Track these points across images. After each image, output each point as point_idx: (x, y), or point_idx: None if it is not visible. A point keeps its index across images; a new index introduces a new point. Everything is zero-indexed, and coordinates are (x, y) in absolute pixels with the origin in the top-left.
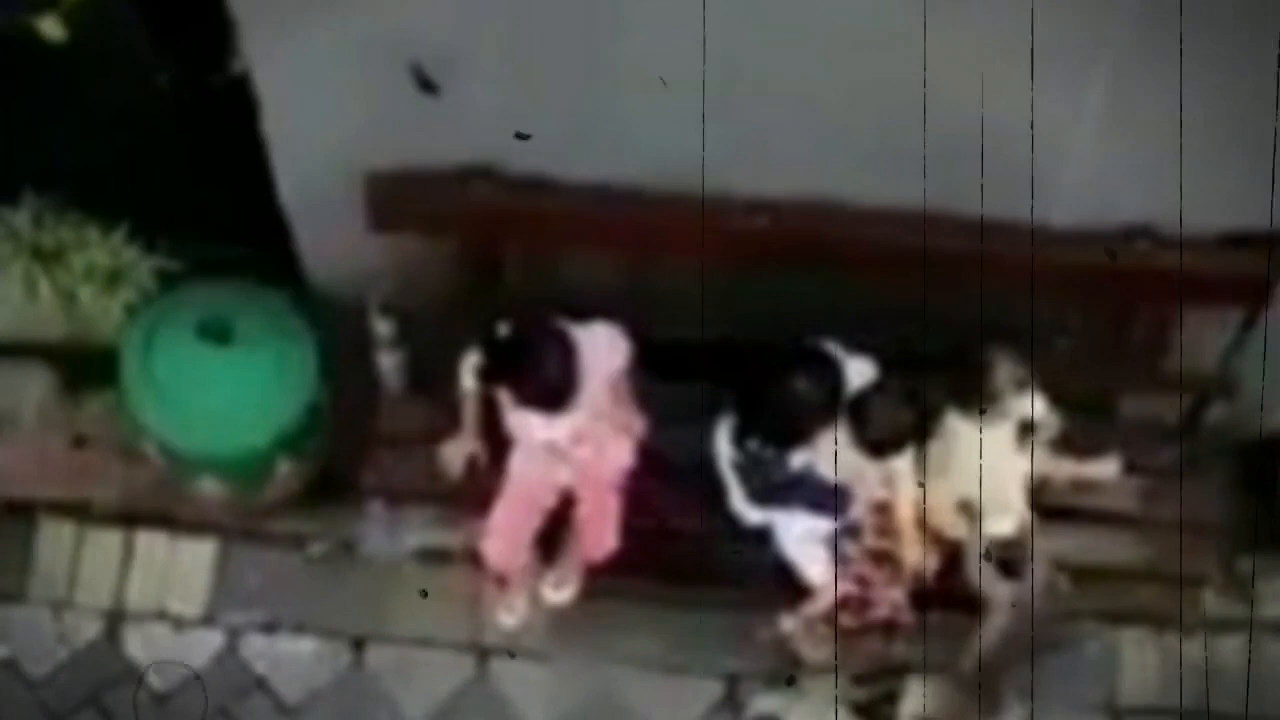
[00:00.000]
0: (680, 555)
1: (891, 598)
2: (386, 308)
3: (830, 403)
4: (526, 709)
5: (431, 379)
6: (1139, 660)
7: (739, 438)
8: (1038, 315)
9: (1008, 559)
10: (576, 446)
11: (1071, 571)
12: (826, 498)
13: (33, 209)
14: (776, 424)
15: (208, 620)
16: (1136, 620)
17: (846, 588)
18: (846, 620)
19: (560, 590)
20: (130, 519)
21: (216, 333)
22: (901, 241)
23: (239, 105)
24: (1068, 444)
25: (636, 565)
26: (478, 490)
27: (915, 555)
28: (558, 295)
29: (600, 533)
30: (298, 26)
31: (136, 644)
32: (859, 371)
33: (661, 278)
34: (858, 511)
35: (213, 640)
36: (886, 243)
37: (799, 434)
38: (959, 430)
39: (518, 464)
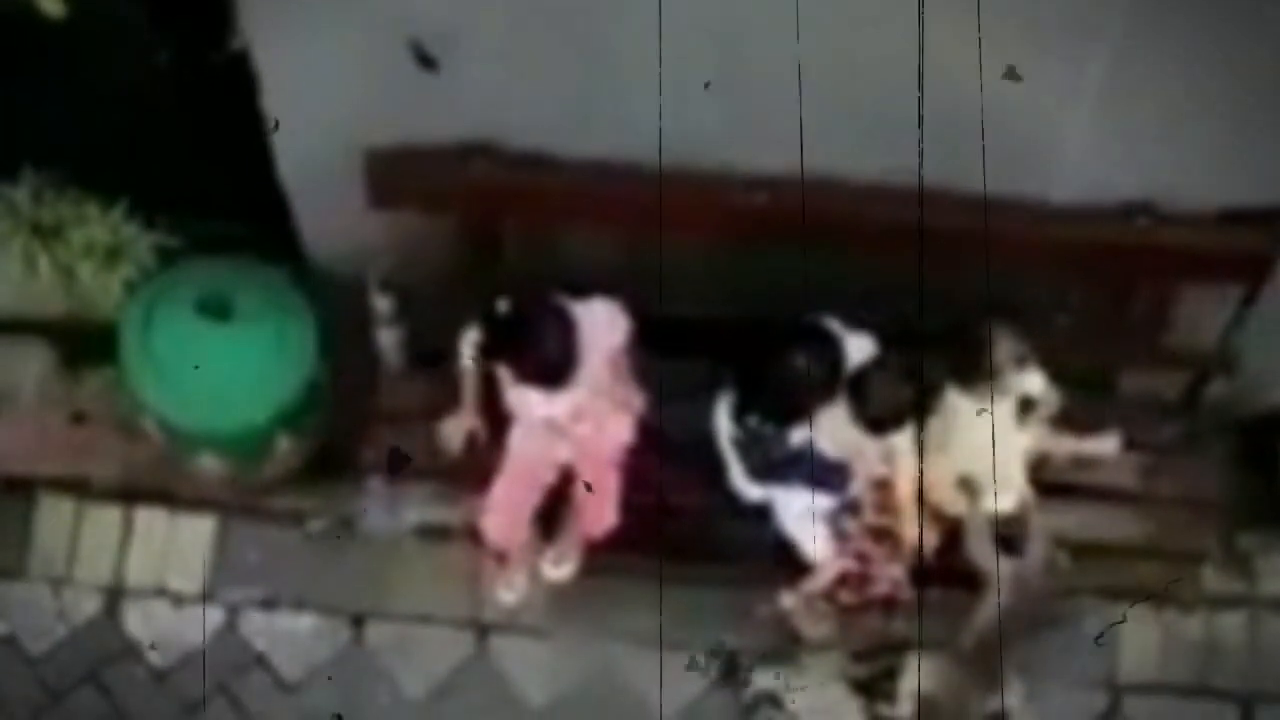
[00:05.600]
0: (680, 532)
1: (891, 574)
2: (386, 284)
3: (830, 379)
4: (526, 685)
5: (432, 356)
6: (1139, 637)
7: (739, 414)
8: (1038, 292)
9: (1008, 535)
10: (576, 423)
11: (1071, 548)
12: (826, 474)
13: (32, 185)
14: (776, 401)
15: (207, 597)
16: (1136, 597)
17: (846, 564)
18: (846, 597)
19: (560, 567)
20: (129, 495)
21: (216, 309)
22: (901, 218)
23: (238, 82)
24: (1068, 420)
25: (636, 542)
26: (477, 467)
27: (915, 532)
28: (557, 272)
29: (600, 509)
30: (297, 3)
31: (136, 621)
32: (859, 348)
33: (661, 254)
34: (857, 488)
35: (212, 617)
36: (886, 219)
37: (799, 411)
38: (959, 407)
39: (517, 440)
